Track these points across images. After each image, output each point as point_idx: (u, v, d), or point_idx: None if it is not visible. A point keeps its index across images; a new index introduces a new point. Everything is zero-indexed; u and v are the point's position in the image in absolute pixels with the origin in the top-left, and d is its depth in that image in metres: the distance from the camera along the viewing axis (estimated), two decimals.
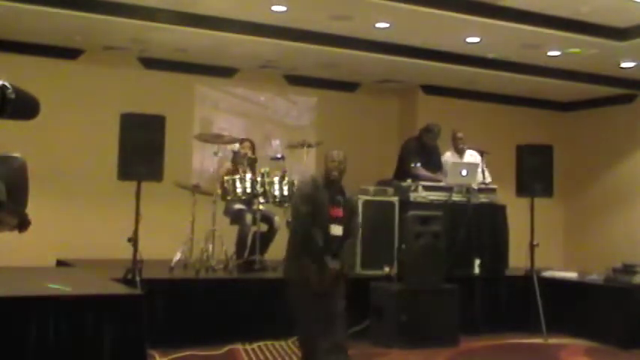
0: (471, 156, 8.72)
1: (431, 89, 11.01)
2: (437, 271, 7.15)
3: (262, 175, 7.53)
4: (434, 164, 8.72)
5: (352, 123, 10.85)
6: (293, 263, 5.08)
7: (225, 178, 7.59)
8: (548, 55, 9.07)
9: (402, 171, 8.62)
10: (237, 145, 8.07)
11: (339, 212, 5.05)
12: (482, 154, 8.57)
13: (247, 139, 8.27)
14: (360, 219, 5.37)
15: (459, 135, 8.88)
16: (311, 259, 4.95)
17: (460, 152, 8.87)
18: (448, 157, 8.85)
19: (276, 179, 7.55)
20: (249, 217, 7.54)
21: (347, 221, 5.11)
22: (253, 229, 7.57)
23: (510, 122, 11.22)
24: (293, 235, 5.20)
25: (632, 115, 11.06)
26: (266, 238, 7.63)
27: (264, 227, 7.65)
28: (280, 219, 7.64)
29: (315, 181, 5.19)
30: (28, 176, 2.56)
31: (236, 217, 7.68)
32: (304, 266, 4.94)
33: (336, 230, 5.04)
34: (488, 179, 8.59)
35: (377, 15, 7.69)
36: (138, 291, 5.83)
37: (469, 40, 8.51)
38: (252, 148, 8.09)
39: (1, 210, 2.39)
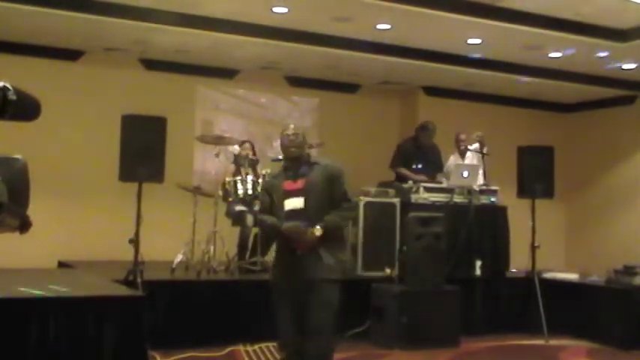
0: (473, 156, 8.74)
1: (432, 90, 11.02)
2: (438, 273, 7.15)
3: (263, 177, 7.54)
4: (432, 164, 8.76)
5: (353, 124, 10.86)
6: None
7: (227, 179, 7.60)
8: (550, 57, 9.07)
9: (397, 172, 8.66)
10: (237, 148, 8.08)
11: (295, 184, 4.48)
12: (482, 155, 8.58)
13: (247, 141, 8.28)
14: (343, 184, 4.47)
15: (462, 137, 8.90)
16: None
17: (462, 154, 8.89)
18: (452, 160, 8.88)
19: None
20: (250, 219, 7.54)
21: (316, 188, 4.42)
22: (255, 230, 7.58)
23: (511, 123, 11.22)
24: None
25: (633, 117, 11.06)
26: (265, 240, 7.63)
27: None
28: None
29: (277, 171, 4.78)
30: (29, 177, 2.56)
31: (237, 219, 7.68)
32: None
33: (292, 204, 4.44)
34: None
35: (378, 16, 7.69)
36: (139, 292, 5.83)
37: (470, 41, 8.51)
38: (253, 149, 8.10)
39: (2, 211, 2.39)
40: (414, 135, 8.96)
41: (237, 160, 7.92)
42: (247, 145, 8.10)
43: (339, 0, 7.26)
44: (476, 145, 8.60)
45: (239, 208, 7.70)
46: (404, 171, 8.62)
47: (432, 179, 8.50)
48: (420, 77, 10.41)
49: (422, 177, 8.40)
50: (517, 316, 7.85)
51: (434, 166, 8.81)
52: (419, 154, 8.78)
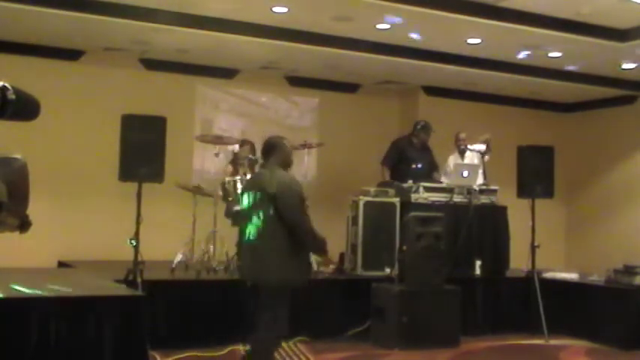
0: (473, 156, 8.74)
1: (432, 90, 11.02)
2: (438, 272, 7.15)
3: None
4: (429, 163, 8.78)
5: (353, 124, 10.85)
6: (294, 262, 4.95)
7: (227, 179, 7.59)
8: (549, 57, 9.08)
9: (398, 171, 8.68)
10: (237, 147, 8.07)
11: None
12: (483, 155, 8.58)
13: (248, 141, 8.27)
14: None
15: (462, 136, 8.91)
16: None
17: (462, 153, 8.90)
18: (451, 160, 8.90)
19: None
20: None
21: None
22: None
23: (511, 123, 11.21)
24: (298, 231, 4.89)
25: (633, 117, 11.06)
26: None
27: None
28: None
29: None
30: (28, 177, 2.57)
31: (235, 218, 7.68)
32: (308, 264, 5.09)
33: None
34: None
35: (378, 16, 7.69)
36: (139, 292, 5.83)
37: (470, 41, 8.51)
38: (253, 149, 8.09)
39: (2, 211, 2.39)
40: (410, 133, 8.97)
41: (237, 159, 7.92)
42: (247, 147, 8.09)
43: (339, 0, 7.26)
44: (480, 147, 8.60)
45: (237, 207, 7.69)
46: (386, 174, 8.74)
47: (428, 178, 8.50)
48: (420, 77, 10.41)
49: (395, 183, 8.39)
50: (517, 316, 7.85)
51: (430, 165, 8.85)
52: (415, 153, 8.80)
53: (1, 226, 2.48)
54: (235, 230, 7.69)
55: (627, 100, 11.06)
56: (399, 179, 8.47)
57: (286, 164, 5.09)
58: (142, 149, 6.44)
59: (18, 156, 2.57)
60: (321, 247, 5.09)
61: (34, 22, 7.87)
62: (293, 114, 10.83)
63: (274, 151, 5.08)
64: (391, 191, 8.06)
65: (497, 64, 9.49)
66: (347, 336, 7.11)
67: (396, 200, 7.94)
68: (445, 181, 8.60)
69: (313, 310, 7.12)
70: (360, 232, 7.71)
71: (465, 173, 8.28)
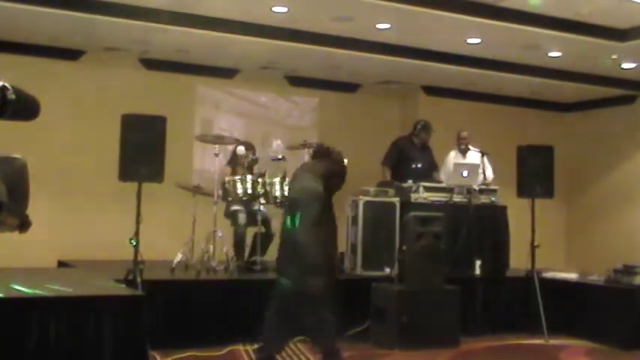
0: (474, 156, 8.73)
1: (432, 90, 11.02)
2: (438, 272, 7.14)
3: (259, 176, 7.52)
4: (429, 163, 8.78)
5: (353, 124, 10.85)
6: (296, 268, 4.96)
7: (227, 179, 7.59)
8: (549, 56, 9.08)
9: (398, 170, 8.68)
10: (242, 148, 7.97)
11: None
12: (482, 154, 8.58)
13: (250, 145, 8.23)
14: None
15: (463, 135, 8.90)
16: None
17: (463, 152, 8.90)
18: (451, 157, 8.89)
19: (276, 180, 7.54)
20: (241, 217, 7.55)
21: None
22: (253, 229, 7.58)
23: (511, 123, 11.22)
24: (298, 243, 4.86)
25: (632, 116, 11.06)
26: (264, 240, 7.63)
27: (263, 229, 7.65)
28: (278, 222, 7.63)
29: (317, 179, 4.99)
30: (28, 177, 2.57)
31: (232, 218, 7.70)
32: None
33: None
34: (490, 176, 8.59)
35: (378, 16, 7.69)
36: (139, 292, 5.83)
37: (470, 41, 8.52)
38: (253, 150, 8.09)
39: (2, 211, 2.40)
40: (411, 133, 8.97)
41: (236, 159, 7.91)
42: (250, 151, 8.06)
43: (339, 0, 7.26)
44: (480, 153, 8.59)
45: (234, 207, 7.70)
46: (387, 174, 8.72)
47: (429, 178, 8.50)
48: (420, 77, 10.42)
49: (395, 184, 8.39)
50: (517, 316, 7.84)
51: (430, 165, 8.85)
52: (416, 153, 8.80)
53: (1, 226, 2.48)
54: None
55: (627, 100, 11.07)
56: (399, 179, 8.47)
57: (328, 175, 5.02)
58: (142, 149, 6.43)
59: (18, 156, 2.57)
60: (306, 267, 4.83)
61: (34, 22, 7.87)
62: (293, 114, 10.84)
63: (322, 158, 5.11)
64: (391, 191, 8.06)
65: (497, 64, 9.50)
66: (347, 336, 7.08)
67: (396, 200, 7.94)
68: (444, 178, 8.61)
69: None
70: (360, 231, 7.71)
71: (465, 173, 8.27)
